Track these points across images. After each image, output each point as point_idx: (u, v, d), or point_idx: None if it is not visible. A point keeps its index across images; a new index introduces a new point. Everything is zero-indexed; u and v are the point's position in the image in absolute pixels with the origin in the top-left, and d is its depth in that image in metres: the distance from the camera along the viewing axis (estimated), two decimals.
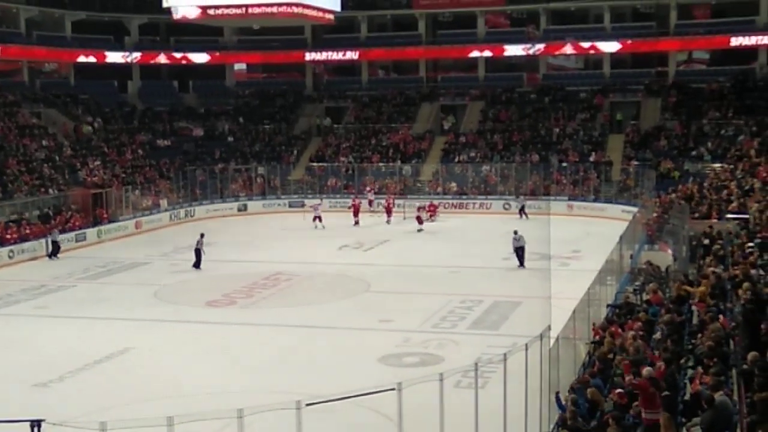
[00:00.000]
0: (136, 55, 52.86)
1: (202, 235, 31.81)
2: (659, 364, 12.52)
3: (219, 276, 30.34)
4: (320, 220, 40.29)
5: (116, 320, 24.44)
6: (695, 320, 15.30)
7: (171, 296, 27.51)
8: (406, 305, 25.54)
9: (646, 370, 11.95)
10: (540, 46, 50.99)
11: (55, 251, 34.35)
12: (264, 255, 33.80)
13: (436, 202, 43.10)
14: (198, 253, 31.33)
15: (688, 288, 17.28)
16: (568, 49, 50.75)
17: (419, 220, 39.38)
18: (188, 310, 25.53)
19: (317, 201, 42.72)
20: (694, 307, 16.02)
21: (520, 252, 30.23)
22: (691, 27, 49.77)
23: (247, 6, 36.48)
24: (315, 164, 48.24)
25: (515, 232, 30.47)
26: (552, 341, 14.49)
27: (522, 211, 41.10)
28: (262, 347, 21.55)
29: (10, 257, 33.07)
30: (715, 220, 28.91)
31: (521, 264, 30.09)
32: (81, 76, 52.63)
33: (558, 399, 13.57)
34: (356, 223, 41.04)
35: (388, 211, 41.76)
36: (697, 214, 30.24)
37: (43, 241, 34.52)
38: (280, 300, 26.88)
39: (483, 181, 45.79)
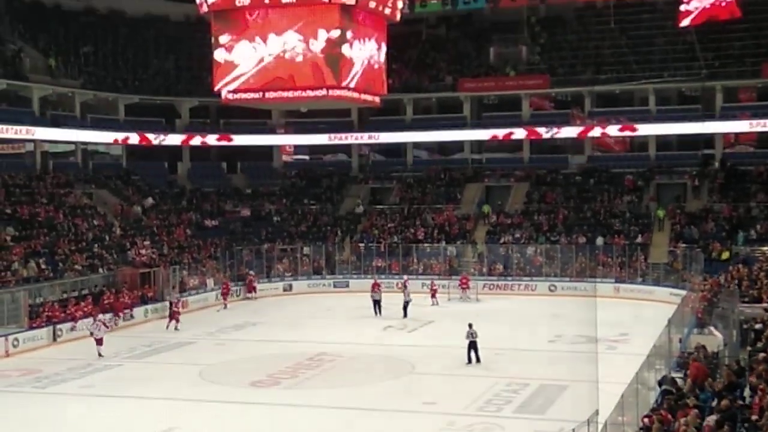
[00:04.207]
0: (186, 137, 54.10)
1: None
2: None
3: (263, 356, 30.34)
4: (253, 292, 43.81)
5: (161, 400, 24.49)
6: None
7: (216, 376, 27.53)
8: (450, 387, 25.30)
9: None
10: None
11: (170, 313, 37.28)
12: (308, 335, 33.77)
13: (469, 276, 43.14)
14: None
15: (734, 378, 16.89)
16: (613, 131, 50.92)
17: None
18: (232, 391, 25.49)
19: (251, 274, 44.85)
20: (747, 394, 15.69)
21: (473, 347, 28.03)
22: (737, 109, 49.64)
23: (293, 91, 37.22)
24: (363, 244, 48.36)
25: (470, 326, 28.33)
26: (600, 426, 14.26)
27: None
28: (305, 429, 21.41)
29: (58, 336, 33.45)
30: (767, 304, 28.39)
31: (473, 360, 27.98)
32: (133, 157, 53.79)
33: None
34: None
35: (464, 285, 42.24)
36: (747, 298, 29.76)
37: (90, 319, 34.87)
38: (324, 381, 26.77)
39: (528, 262, 45.58)
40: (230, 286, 42.71)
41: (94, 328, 31.76)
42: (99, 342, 31.09)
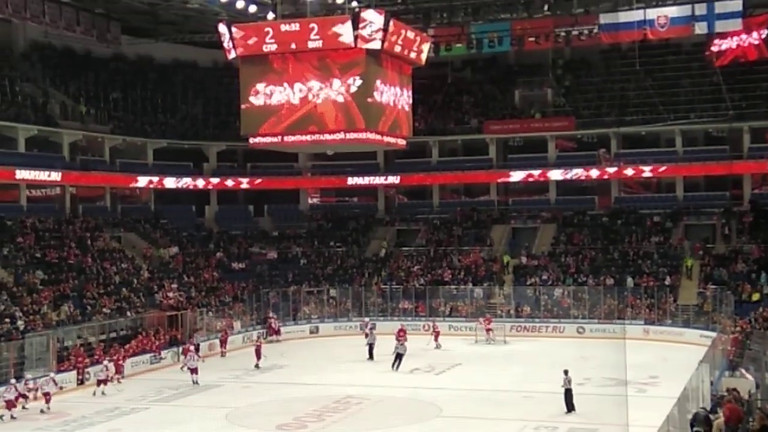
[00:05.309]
0: (214, 181, 54.60)
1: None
2: None
3: (290, 399, 30.26)
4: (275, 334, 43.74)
5: None
6: None
7: (242, 419, 27.47)
8: (478, 431, 25.05)
9: None
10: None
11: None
12: (335, 378, 33.70)
13: (491, 318, 42.98)
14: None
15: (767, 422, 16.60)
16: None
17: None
18: None
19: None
20: None
21: (568, 394, 26.92)
22: (765, 150, 49.37)
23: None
24: (386, 286, 48.32)
25: (565, 373, 27.11)
26: None
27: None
28: None
29: (86, 379, 33.52)
30: None
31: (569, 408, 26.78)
32: (161, 201, 54.26)
33: None
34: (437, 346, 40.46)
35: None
36: None
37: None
38: (351, 424, 26.62)
39: (556, 304, 45.28)
40: (229, 334, 41.70)
41: (187, 360, 33.88)
42: (194, 371, 33.03)
